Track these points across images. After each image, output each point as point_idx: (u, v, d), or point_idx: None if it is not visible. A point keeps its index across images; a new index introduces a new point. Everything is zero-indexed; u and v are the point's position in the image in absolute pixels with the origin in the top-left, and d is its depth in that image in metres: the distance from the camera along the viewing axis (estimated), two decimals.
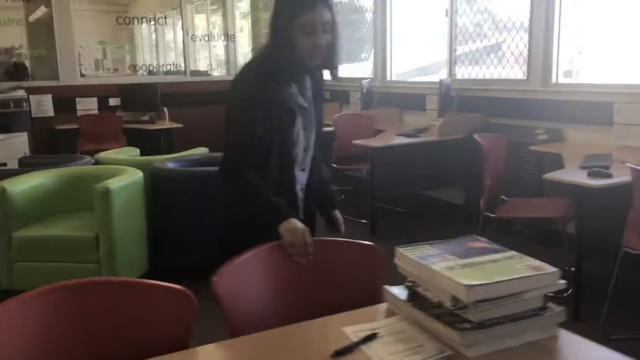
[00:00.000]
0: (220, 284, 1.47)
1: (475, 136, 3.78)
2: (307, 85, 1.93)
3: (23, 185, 3.48)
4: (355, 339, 1.27)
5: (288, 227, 1.69)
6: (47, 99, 6.78)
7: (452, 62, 5.53)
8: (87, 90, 7.08)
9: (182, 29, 7.85)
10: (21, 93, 6.23)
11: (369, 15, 6.71)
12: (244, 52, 8.77)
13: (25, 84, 6.59)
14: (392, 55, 6.35)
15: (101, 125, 6.56)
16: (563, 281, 1.26)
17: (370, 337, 1.27)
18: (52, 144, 6.63)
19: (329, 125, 5.20)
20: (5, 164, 5.74)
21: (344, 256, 1.73)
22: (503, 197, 3.93)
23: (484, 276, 1.21)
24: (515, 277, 1.21)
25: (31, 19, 7.03)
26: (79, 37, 7.23)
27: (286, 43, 1.78)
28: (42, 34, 7.08)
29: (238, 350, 1.27)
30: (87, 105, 7.05)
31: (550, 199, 3.82)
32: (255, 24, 8.63)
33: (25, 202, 3.45)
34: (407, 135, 5.01)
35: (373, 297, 1.56)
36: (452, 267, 1.27)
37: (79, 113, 6.90)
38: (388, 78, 6.39)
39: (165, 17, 8.38)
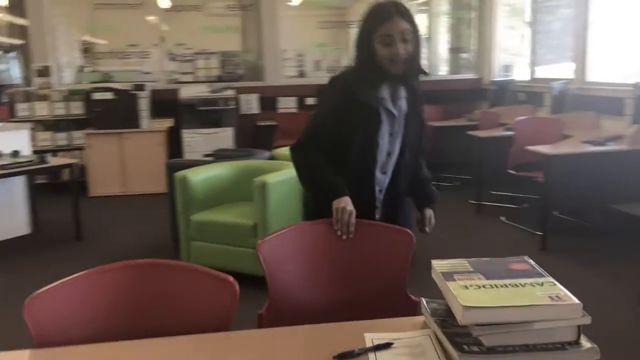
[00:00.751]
0: (263, 248, 1.75)
1: None
2: (401, 94, 2.03)
3: (203, 175, 3.98)
4: (369, 345, 1.30)
5: (338, 205, 1.86)
6: (254, 97, 7.53)
7: None
8: (288, 90, 7.70)
9: None
10: (231, 92, 7.02)
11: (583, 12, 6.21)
12: (442, 53, 8.73)
13: (235, 84, 7.40)
14: (592, 54, 5.80)
15: (296, 122, 7.09)
16: (588, 317, 1.14)
17: (383, 346, 1.29)
18: (254, 138, 7.35)
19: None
20: (212, 155, 6.54)
21: (380, 238, 1.89)
22: None
23: (492, 299, 1.16)
24: (523, 304, 1.13)
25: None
26: (303, 39, 7.94)
27: (366, 53, 1.94)
28: (254, 39, 7.88)
29: (262, 339, 1.38)
30: (287, 104, 7.67)
31: None
32: (455, 25, 8.53)
33: (203, 190, 3.94)
34: (594, 143, 4.56)
35: (401, 279, 1.83)
36: (468, 286, 1.23)
37: (279, 111, 7.55)
38: (587, 79, 5.85)
39: None
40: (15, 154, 4.85)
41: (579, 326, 1.18)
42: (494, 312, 1.13)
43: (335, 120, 2.00)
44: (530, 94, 6.75)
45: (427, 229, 2.14)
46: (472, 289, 1.21)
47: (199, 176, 3.94)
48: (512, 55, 7.90)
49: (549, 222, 4.59)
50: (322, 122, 2.04)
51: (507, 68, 7.84)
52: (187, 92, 6.87)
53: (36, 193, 5.44)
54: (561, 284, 1.23)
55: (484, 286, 1.22)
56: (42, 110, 6.86)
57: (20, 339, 1.41)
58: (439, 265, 1.35)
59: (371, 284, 1.86)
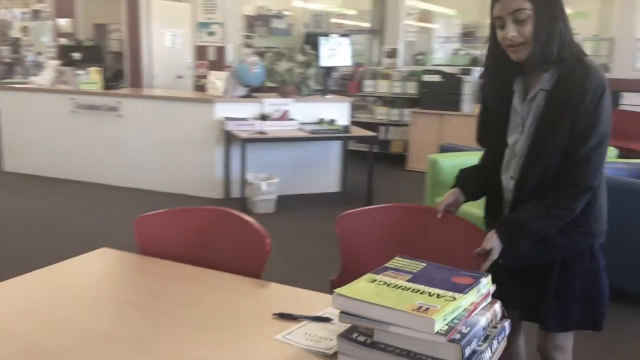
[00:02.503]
0: (342, 222, 1.95)
1: None
2: (540, 85, 1.70)
3: (455, 161, 4.06)
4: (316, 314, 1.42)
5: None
6: None
7: None
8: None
9: None
10: None
11: None
12: None
13: None
14: None
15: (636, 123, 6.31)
16: (442, 337, 1.06)
17: (321, 319, 1.40)
18: None
19: None
20: None
21: (457, 232, 1.91)
22: None
23: (368, 295, 1.17)
24: (378, 303, 1.12)
25: None
26: None
27: (491, 39, 1.75)
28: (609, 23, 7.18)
29: (255, 288, 1.64)
30: (634, 101, 6.79)
31: None
32: None
33: (449, 175, 4.03)
34: None
35: None
36: (379, 280, 1.24)
37: (620, 107, 6.76)
38: None
39: None
40: (332, 122, 5.73)
41: (462, 349, 1.10)
42: (354, 304, 1.15)
43: (480, 118, 1.94)
44: None
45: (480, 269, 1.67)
46: (374, 284, 1.22)
47: (450, 161, 4.05)
48: None
49: None
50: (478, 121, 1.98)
51: None
52: None
53: (350, 158, 6.30)
54: None
55: (389, 284, 1.22)
56: (383, 87, 7.73)
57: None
58: (396, 260, 1.36)
59: None
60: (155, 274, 1.72)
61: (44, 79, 6.48)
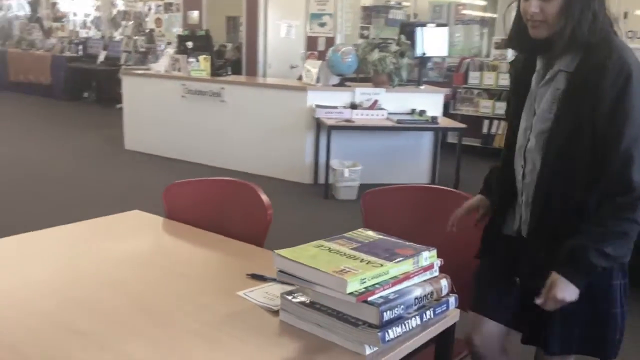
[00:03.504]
0: (366, 199, 2.03)
1: None
2: (561, 66, 1.56)
3: None
4: None
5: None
6: None
7: None
8: None
9: None
10: None
11: None
12: None
13: None
14: None
15: None
16: (353, 298, 1.11)
17: (283, 281, 1.48)
18: None
19: None
20: None
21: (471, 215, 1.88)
22: None
23: (302, 257, 1.24)
24: (308, 264, 1.19)
25: None
26: None
27: (517, 13, 1.63)
28: None
29: (250, 253, 1.75)
30: None
31: None
32: None
33: None
34: None
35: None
36: (325, 246, 1.31)
37: None
38: None
39: None
40: (422, 113, 5.69)
41: (381, 313, 1.14)
42: (289, 264, 1.24)
43: (508, 98, 1.84)
44: None
45: (537, 300, 1.52)
46: (318, 249, 1.29)
47: None
48: None
49: None
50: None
51: None
52: None
53: (450, 151, 6.20)
54: None
55: (331, 250, 1.28)
56: (489, 79, 7.50)
57: None
58: (357, 231, 1.42)
59: (451, 256, 1.81)
60: (169, 235, 1.90)
61: (161, 65, 7.03)
